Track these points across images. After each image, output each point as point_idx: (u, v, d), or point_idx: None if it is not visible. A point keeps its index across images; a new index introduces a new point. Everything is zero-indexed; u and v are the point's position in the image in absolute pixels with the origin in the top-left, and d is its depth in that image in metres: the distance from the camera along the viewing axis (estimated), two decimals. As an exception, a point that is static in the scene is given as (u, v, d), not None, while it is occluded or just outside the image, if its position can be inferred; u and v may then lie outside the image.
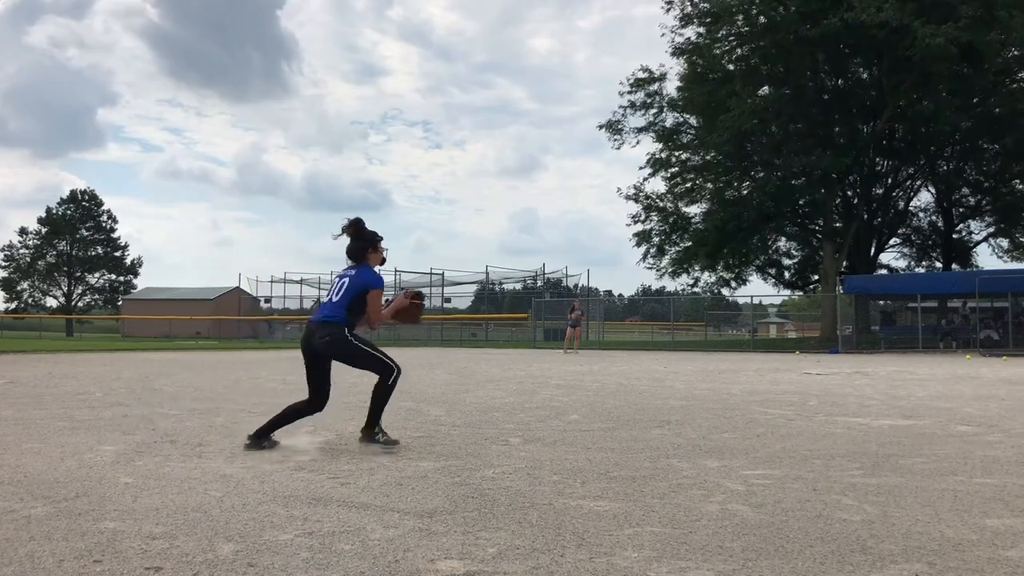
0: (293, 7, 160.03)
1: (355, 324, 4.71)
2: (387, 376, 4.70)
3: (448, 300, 39.42)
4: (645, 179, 34.59)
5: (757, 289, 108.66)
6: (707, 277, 34.95)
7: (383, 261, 4.90)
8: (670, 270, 33.90)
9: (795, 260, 37.38)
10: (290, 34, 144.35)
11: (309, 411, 4.79)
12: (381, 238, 4.87)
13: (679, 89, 31.96)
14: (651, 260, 34.05)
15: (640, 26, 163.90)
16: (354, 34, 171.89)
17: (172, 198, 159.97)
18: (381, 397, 4.74)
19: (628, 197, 34.38)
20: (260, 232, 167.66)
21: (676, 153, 33.86)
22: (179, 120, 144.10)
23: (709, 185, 32.93)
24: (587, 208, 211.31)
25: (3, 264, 66.85)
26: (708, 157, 31.92)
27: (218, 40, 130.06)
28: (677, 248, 33.83)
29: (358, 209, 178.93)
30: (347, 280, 4.74)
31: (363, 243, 4.78)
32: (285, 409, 4.82)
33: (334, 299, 4.73)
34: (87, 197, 68.78)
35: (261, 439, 4.69)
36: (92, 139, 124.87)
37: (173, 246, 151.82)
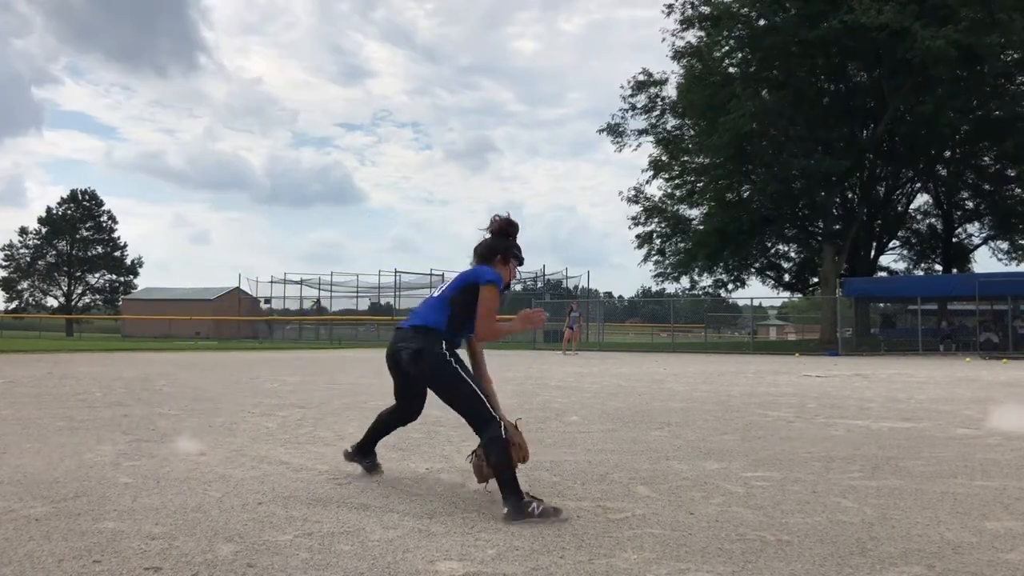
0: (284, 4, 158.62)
1: (457, 333, 3.45)
2: (492, 430, 3.20)
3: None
4: (646, 182, 34.84)
5: (756, 291, 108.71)
6: (705, 279, 35.09)
7: (508, 284, 3.65)
8: (671, 273, 34.02)
9: (794, 263, 37.50)
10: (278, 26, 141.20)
11: (400, 422, 3.89)
12: (520, 255, 3.65)
13: (679, 93, 32.07)
14: (654, 264, 34.22)
15: (624, 29, 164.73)
16: (338, 35, 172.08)
17: (135, 191, 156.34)
18: (503, 460, 3.16)
19: (629, 200, 34.57)
20: (255, 230, 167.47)
21: (678, 156, 34.00)
22: (133, 108, 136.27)
23: (709, 186, 33.00)
24: (581, 210, 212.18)
25: (3, 264, 66.94)
26: (707, 161, 32.00)
27: (138, 22, 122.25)
28: (677, 251, 33.96)
29: (351, 208, 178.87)
30: (456, 275, 3.59)
31: (496, 245, 3.59)
32: (375, 420, 3.94)
33: (434, 294, 3.59)
34: (87, 197, 68.83)
35: (366, 455, 3.97)
36: (28, 122, 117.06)
37: (153, 243, 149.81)
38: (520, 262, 3.66)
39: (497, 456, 3.15)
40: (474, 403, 3.27)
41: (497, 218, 3.67)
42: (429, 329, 3.39)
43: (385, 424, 3.90)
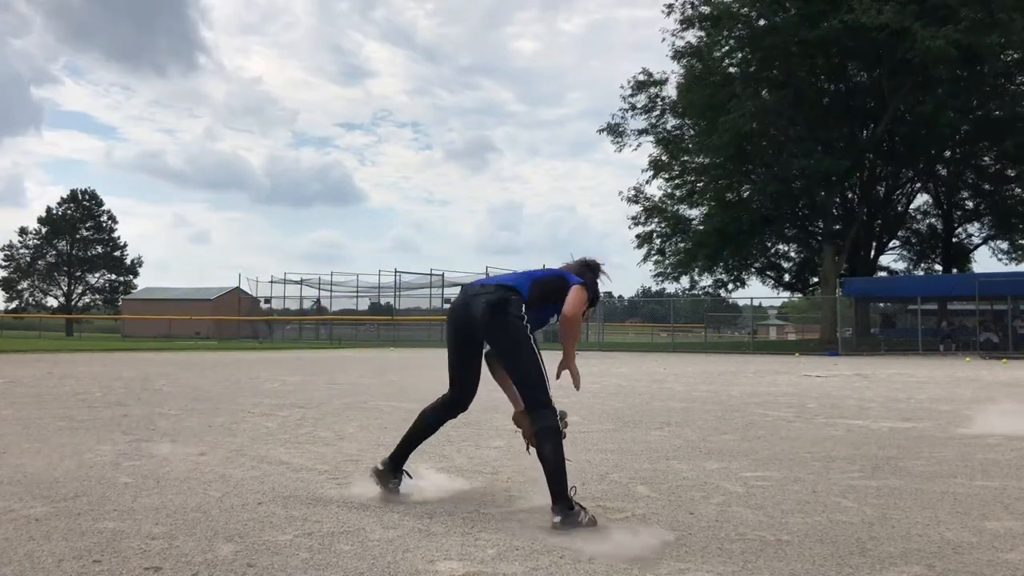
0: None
1: (532, 309, 3.27)
2: (547, 418, 3.05)
3: (449, 301, 39.47)
4: (646, 182, 34.89)
5: (756, 291, 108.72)
6: (705, 279, 35.16)
7: (583, 311, 3.40)
8: (671, 273, 34.08)
9: (794, 263, 37.56)
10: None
11: (448, 412, 3.51)
12: (598, 295, 3.54)
13: (679, 93, 32.12)
14: (653, 264, 34.27)
15: (624, 29, 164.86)
16: (338, 35, 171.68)
17: (135, 191, 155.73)
18: (557, 456, 3.01)
19: (629, 200, 34.63)
20: (255, 230, 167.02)
21: (678, 156, 34.06)
22: (132, 108, 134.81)
23: (709, 186, 33.05)
24: (581, 210, 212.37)
25: (3, 264, 66.98)
26: (707, 161, 32.05)
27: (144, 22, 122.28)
28: (677, 251, 34.01)
29: (351, 208, 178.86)
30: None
31: (584, 274, 3.40)
32: (417, 420, 3.53)
33: (517, 271, 3.49)
34: (87, 197, 68.87)
35: (396, 470, 3.49)
36: (27, 122, 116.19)
37: (153, 243, 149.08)
38: (595, 301, 3.48)
39: (551, 449, 2.98)
40: (537, 380, 3.12)
41: (593, 260, 3.54)
42: (515, 289, 3.26)
43: (428, 422, 3.50)
